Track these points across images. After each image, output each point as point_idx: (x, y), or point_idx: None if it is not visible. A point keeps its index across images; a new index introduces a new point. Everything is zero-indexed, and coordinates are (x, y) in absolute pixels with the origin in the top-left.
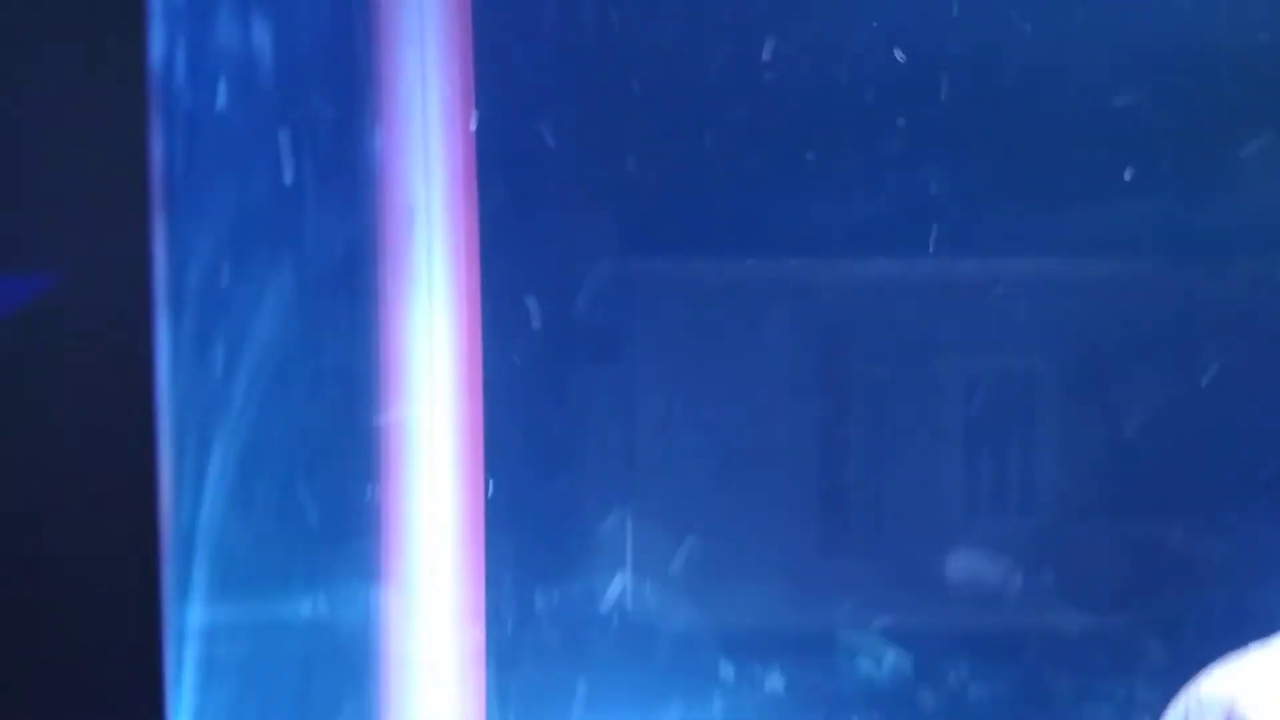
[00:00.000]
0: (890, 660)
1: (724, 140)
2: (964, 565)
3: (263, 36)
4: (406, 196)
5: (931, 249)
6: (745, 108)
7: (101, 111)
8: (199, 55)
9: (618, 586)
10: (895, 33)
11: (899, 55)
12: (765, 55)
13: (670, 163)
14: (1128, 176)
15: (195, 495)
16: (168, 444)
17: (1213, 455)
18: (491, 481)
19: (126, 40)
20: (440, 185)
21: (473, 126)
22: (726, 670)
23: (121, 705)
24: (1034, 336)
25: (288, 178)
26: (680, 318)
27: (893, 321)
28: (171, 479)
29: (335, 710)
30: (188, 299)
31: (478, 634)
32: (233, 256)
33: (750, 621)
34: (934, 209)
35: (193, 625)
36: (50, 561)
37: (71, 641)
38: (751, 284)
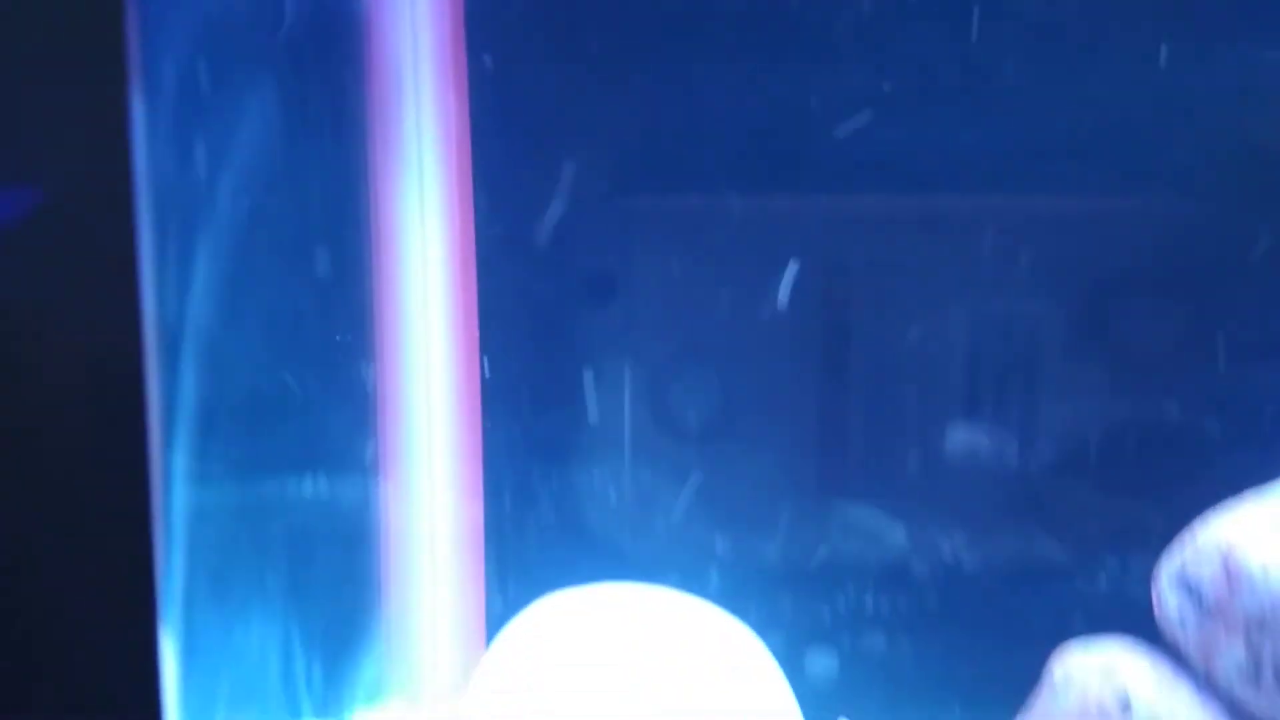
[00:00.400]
0: (884, 534)
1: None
2: (960, 439)
3: None
4: (394, 52)
5: (921, 184)
6: (745, 36)
7: None
8: None
9: (615, 464)
10: None
11: None
12: None
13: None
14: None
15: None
16: (147, 237)
17: (1208, 333)
18: (487, 360)
19: None
20: (428, 42)
21: None
22: (723, 545)
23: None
24: (1030, 270)
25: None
26: (682, 190)
27: (884, 254)
28: (154, 279)
29: (335, 588)
30: (164, 101)
31: (476, 510)
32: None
33: (747, 498)
34: (922, 145)
35: (179, 471)
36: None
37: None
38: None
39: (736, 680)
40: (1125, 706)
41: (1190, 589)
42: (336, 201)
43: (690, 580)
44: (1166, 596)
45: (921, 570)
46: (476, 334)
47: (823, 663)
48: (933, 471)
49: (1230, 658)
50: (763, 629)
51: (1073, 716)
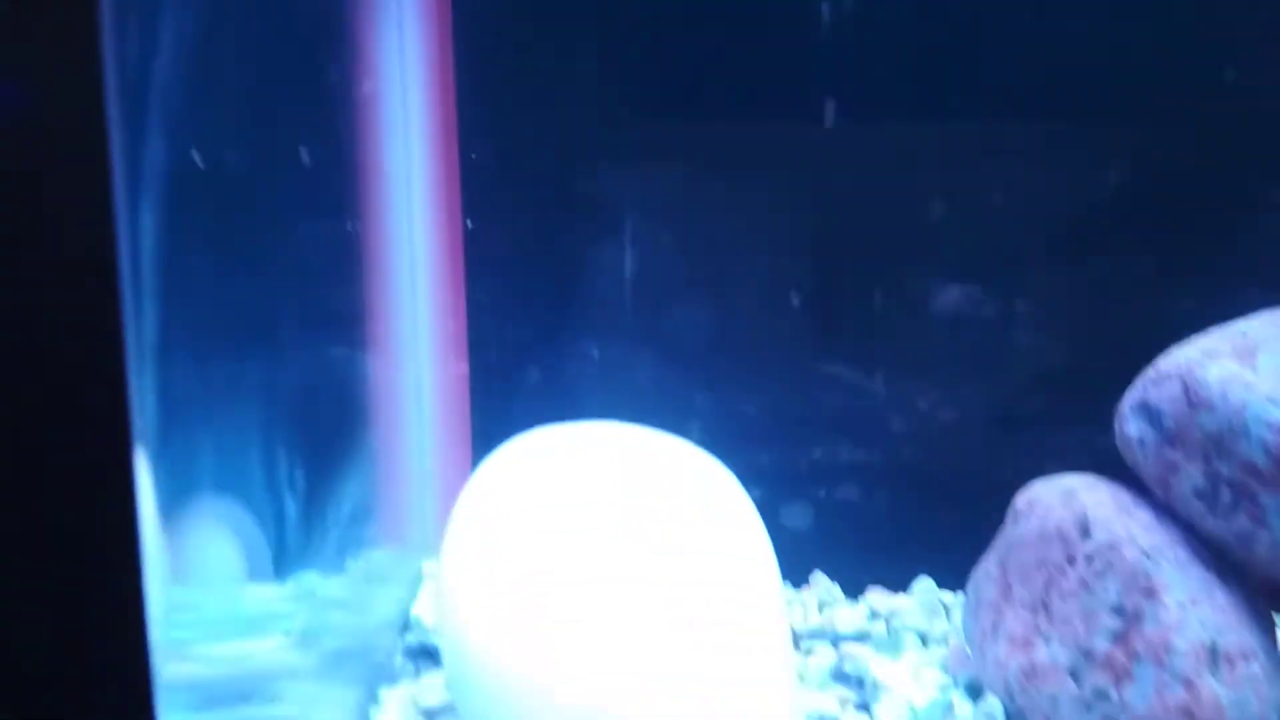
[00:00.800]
0: (861, 388)
1: None
2: (940, 298)
3: None
4: None
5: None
6: None
7: None
8: None
9: (600, 321)
10: None
11: None
12: None
13: None
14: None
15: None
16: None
17: (1164, 201)
18: (469, 220)
19: None
20: None
21: None
22: (704, 400)
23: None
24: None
25: None
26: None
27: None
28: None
29: (323, 440)
30: None
31: (461, 368)
32: None
33: (726, 359)
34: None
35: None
36: None
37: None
38: None
39: (713, 517)
40: (1084, 529)
41: (1150, 414)
42: (313, 60)
43: (672, 433)
44: (1128, 424)
45: (898, 423)
46: (459, 191)
47: (801, 512)
48: (908, 329)
49: (1188, 481)
50: (744, 481)
51: (1033, 541)
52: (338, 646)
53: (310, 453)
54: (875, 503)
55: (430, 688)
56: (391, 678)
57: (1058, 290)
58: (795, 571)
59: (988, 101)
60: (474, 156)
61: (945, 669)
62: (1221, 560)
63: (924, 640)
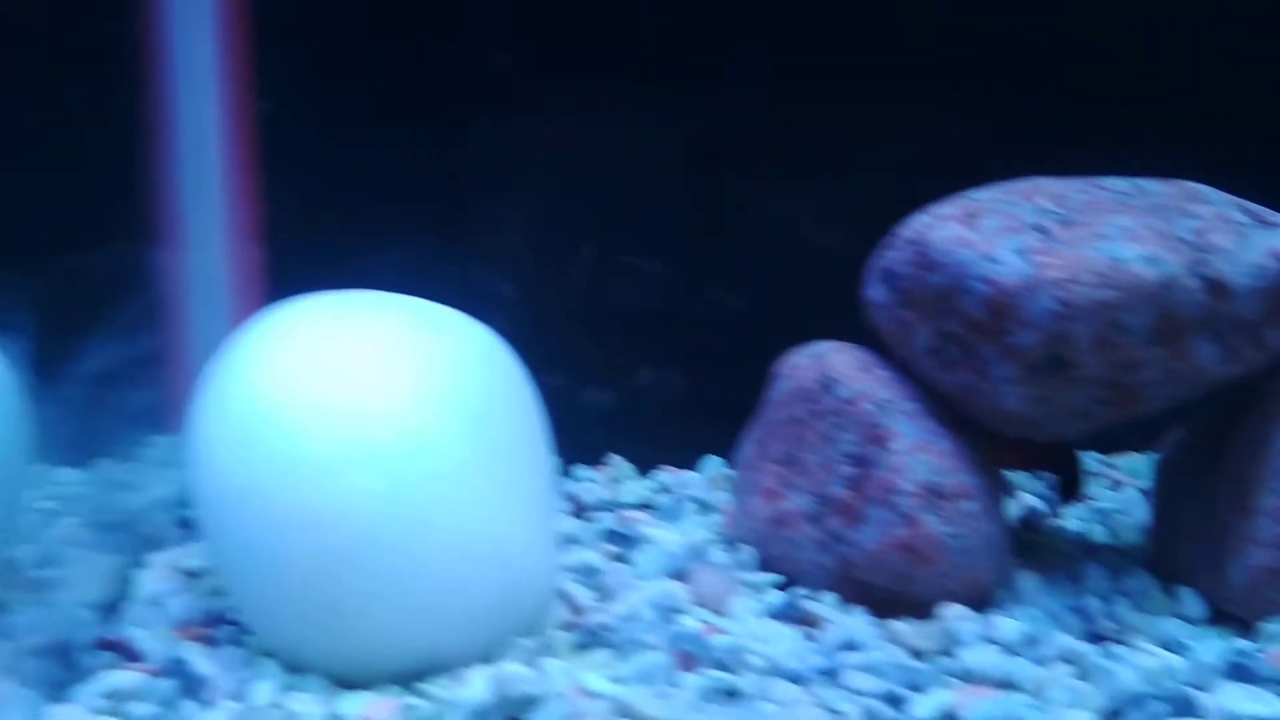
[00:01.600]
0: (656, 277)
1: None
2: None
3: None
4: None
5: None
6: None
7: None
8: None
9: (407, 214)
10: None
11: None
12: None
13: None
14: None
15: None
16: None
17: None
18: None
19: None
20: None
21: None
22: (508, 290)
23: None
24: None
25: None
26: None
27: None
28: None
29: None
30: None
31: (257, 256)
32: None
33: (531, 253)
34: None
35: None
36: None
37: None
38: None
39: (474, 377)
40: (828, 387)
41: (888, 278)
42: None
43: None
44: (871, 289)
45: (692, 311)
46: (251, 70)
47: (600, 396)
48: (702, 221)
49: (920, 339)
50: (547, 367)
51: (786, 401)
52: (112, 520)
53: (98, 345)
54: (669, 386)
55: (193, 552)
56: (159, 546)
57: (838, 189)
58: (594, 451)
59: None
60: (274, 41)
61: (717, 530)
62: (951, 411)
63: (704, 508)
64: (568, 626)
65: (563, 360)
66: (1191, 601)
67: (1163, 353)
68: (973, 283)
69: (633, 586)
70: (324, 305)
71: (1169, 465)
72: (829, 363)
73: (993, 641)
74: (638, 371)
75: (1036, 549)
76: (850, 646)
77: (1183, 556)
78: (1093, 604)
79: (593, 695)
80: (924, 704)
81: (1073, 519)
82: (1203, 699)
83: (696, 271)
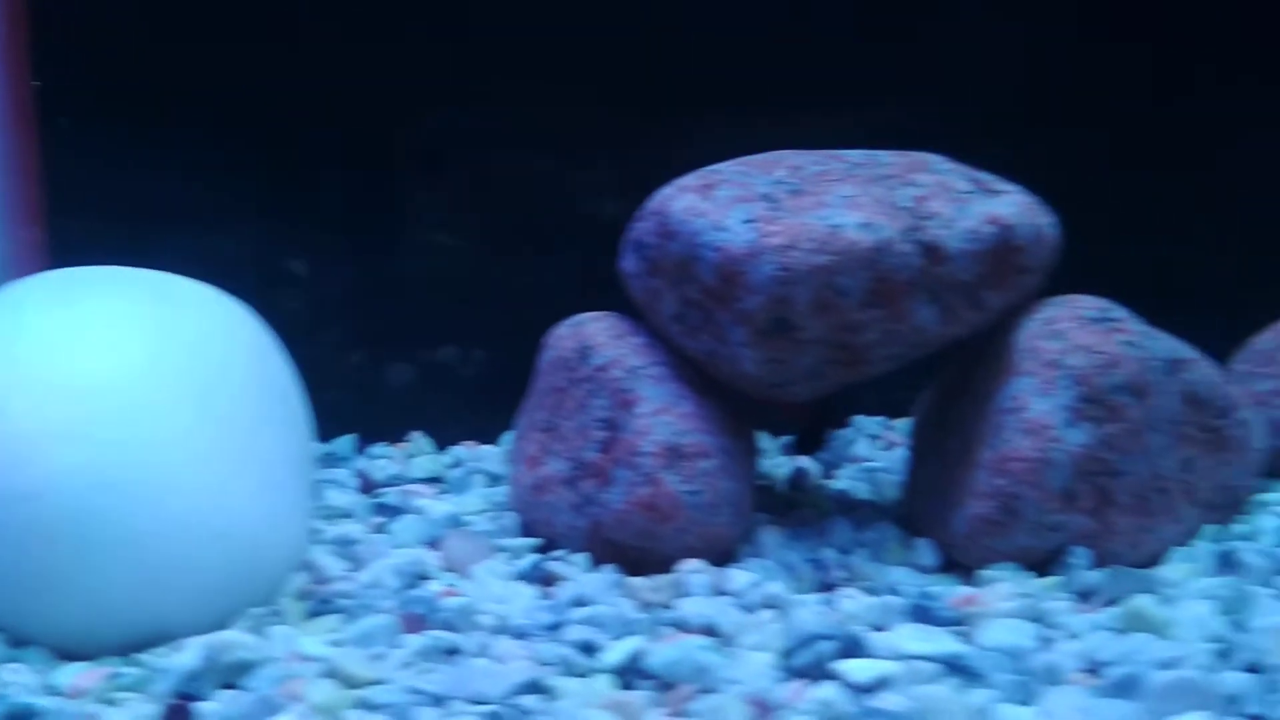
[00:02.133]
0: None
1: None
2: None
3: None
4: None
5: None
6: None
7: None
8: None
9: (190, 190)
10: None
11: None
12: None
13: None
14: None
15: None
16: None
17: None
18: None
19: None
20: None
21: None
22: (299, 267)
23: None
24: None
25: None
26: None
27: None
28: None
29: None
30: None
31: (35, 234)
32: None
33: (324, 227)
34: None
35: None
36: None
37: None
38: None
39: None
40: (584, 355)
41: (638, 248)
42: None
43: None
44: (624, 260)
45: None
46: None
47: (402, 372)
48: (500, 200)
49: (667, 306)
50: (347, 344)
51: (548, 370)
52: None
53: None
54: (472, 363)
55: None
56: None
57: (631, 169)
58: (396, 429)
59: None
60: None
61: (498, 501)
62: (700, 376)
63: (495, 480)
64: (306, 595)
65: (363, 338)
66: (926, 551)
67: (881, 314)
68: (705, 251)
69: (384, 555)
70: (57, 281)
71: (919, 424)
72: (586, 332)
73: (723, 593)
74: (440, 348)
75: (797, 506)
76: (580, 603)
77: (922, 509)
78: (830, 555)
79: (307, 659)
80: (615, 651)
81: (844, 479)
82: (875, 638)
83: (496, 249)
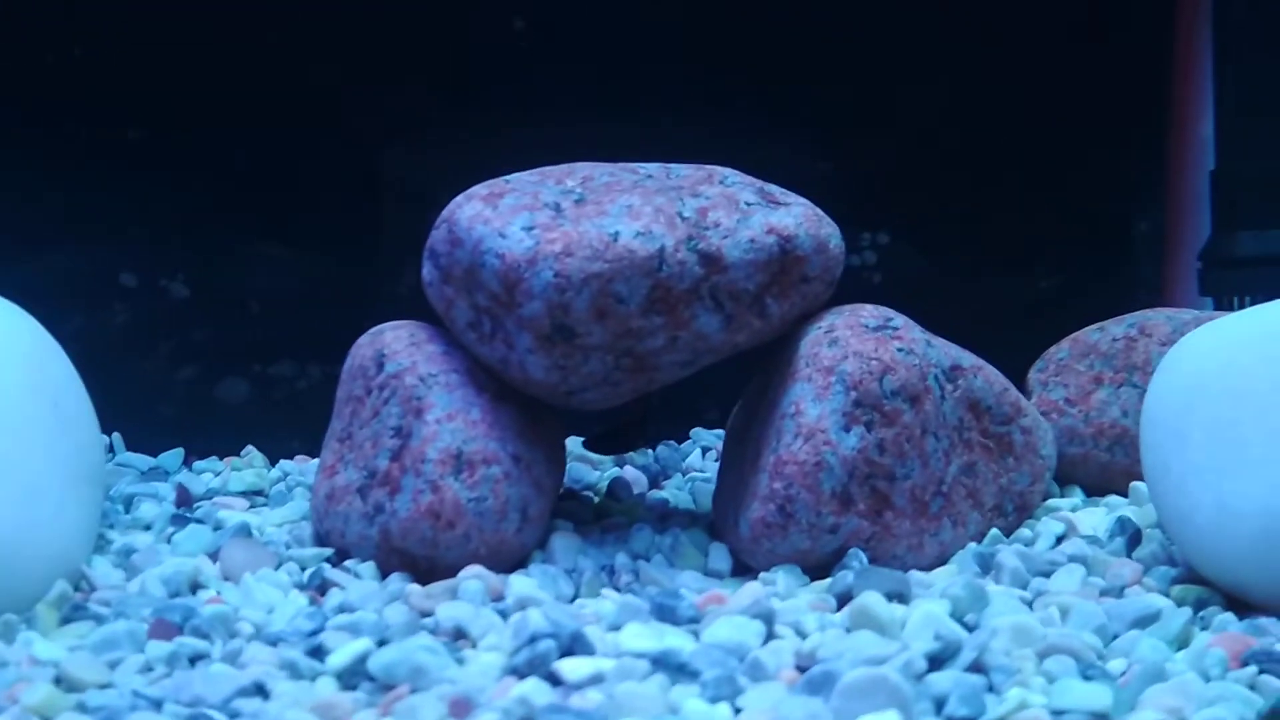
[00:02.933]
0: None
1: None
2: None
3: None
4: None
5: None
6: None
7: None
8: None
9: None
10: None
11: None
12: None
13: None
14: None
15: None
16: None
17: None
18: None
19: None
20: None
21: None
22: (129, 280)
23: None
24: None
25: None
26: None
27: None
28: None
29: None
30: None
31: None
32: None
33: (152, 239)
34: None
35: None
36: None
37: None
38: None
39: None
40: (379, 363)
41: (433, 256)
42: None
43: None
44: (423, 268)
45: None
46: None
47: (235, 387)
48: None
49: (461, 314)
50: (176, 360)
51: (347, 378)
52: None
53: None
54: (308, 376)
55: None
56: None
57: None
58: (232, 444)
59: None
60: None
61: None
62: (498, 384)
63: None
64: (63, 602)
65: (197, 352)
66: (719, 556)
67: (663, 321)
68: (488, 257)
69: (160, 564)
70: None
71: (728, 433)
72: (384, 340)
73: (497, 599)
74: (276, 361)
75: (609, 514)
76: (345, 609)
77: (721, 515)
78: (623, 561)
79: (39, 663)
80: (341, 654)
81: (670, 488)
82: (604, 638)
83: (343, 256)
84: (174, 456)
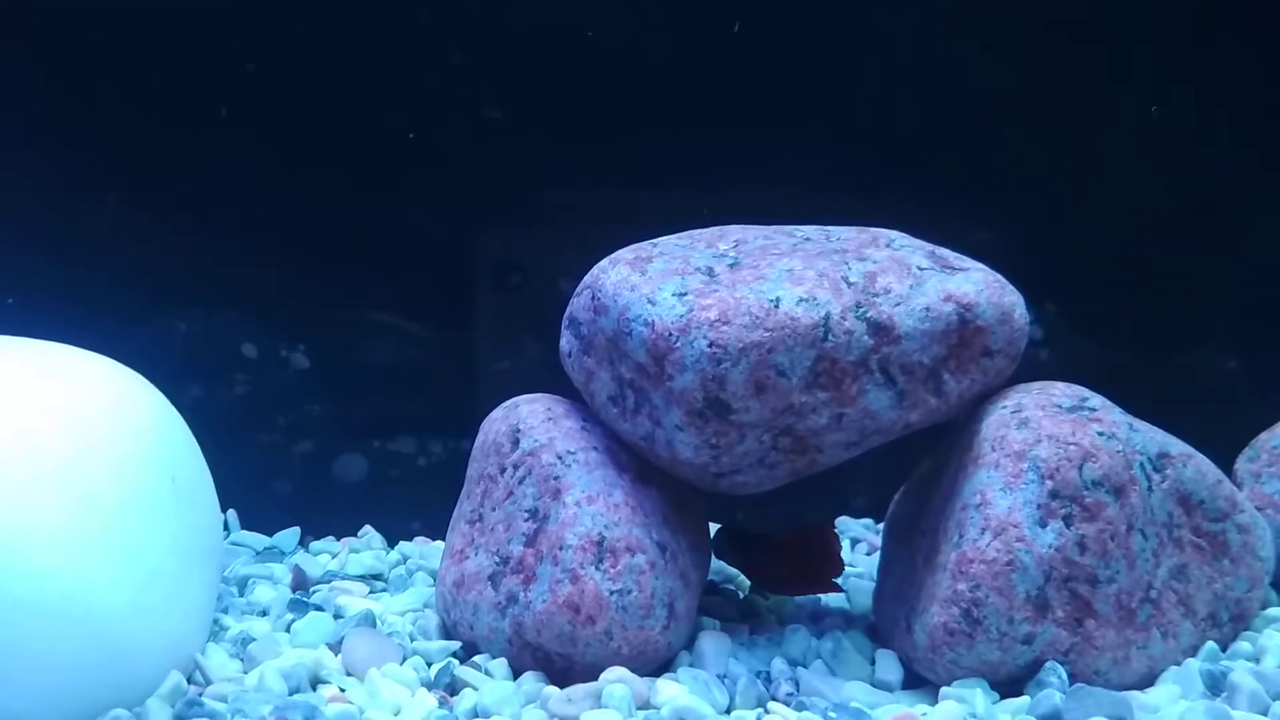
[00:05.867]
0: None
1: None
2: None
3: None
4: None
5: None
6: None
7: None
8: None
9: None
10: None
11: None
12: None
13: None
14: None
15: None
16: None
17: None
18: None
19: None
20: None
21: None
22: (250, 350)
23: None
24: None
25: None
26: None
27: None
28: None
29: None
30: None
31: None
32: None
33: (281, 309)
34: None
35: None
36: None
37: None
38: None
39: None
40: (515, 440)
41: (573, 325)
42: None
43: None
44: (562, 338)
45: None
46: None
47: (354, 463)
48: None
49: (603, 387)
50: (295, 433)
51: (479, 456)
52: None
53: None
54: (428, 453)
55: None
56: None
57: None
58: (349, 523)
59: None
60: None
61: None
62: (641, 463)
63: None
64: (176, 697)
65: (314, 428)
66: (888, 665)
67: (826, 397)
68: (635, 325)
69: (279, 655)
70: None
71: (890, 524)
72: (519, 414)
73: (647, 707)
74: (395, 437)
75: (757, 612)
76: (480, 715)
77: (889, 618)
78: (780, 667)
79: None
80: None
81: None
82: None
83: (462, 333)
84: (290, 536)
